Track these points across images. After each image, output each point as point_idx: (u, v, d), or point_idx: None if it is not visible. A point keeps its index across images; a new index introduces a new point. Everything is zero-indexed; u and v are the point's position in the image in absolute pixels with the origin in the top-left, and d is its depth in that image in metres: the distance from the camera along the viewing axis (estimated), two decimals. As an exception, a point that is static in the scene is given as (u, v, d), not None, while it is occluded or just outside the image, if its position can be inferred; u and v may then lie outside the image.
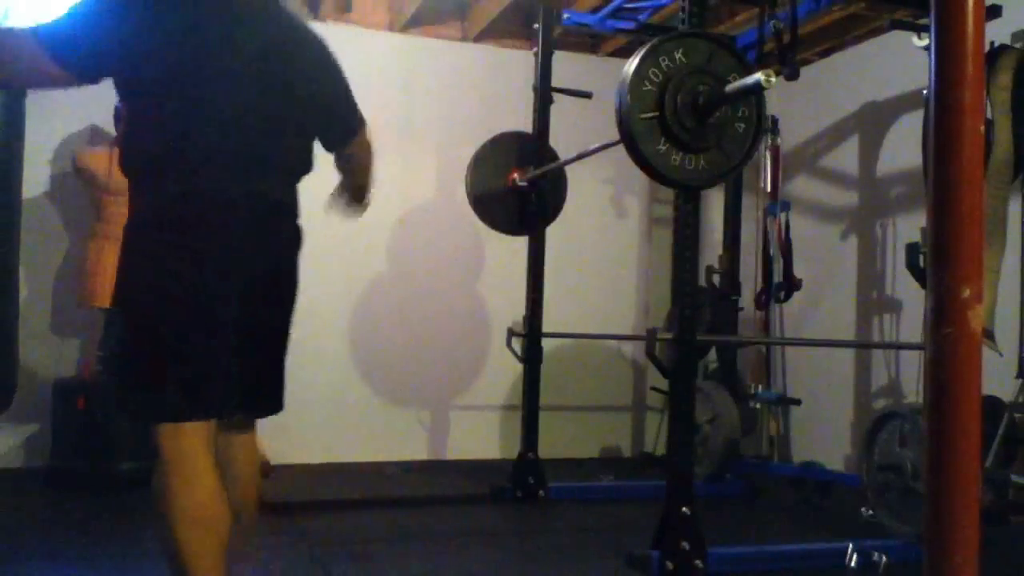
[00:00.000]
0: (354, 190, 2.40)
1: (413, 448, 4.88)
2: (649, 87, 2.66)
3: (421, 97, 4.95)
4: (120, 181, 4.33)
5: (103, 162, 4.07)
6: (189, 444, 1.80)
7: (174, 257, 1.82)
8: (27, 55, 1.79)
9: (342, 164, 2.36)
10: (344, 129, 2.24)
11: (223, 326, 1.85)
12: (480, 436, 5.01)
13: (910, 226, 4.19)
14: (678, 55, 2.69)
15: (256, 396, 1.98)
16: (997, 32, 3.23)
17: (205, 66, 1.84)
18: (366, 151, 2.33)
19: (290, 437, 4.64)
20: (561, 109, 4.16)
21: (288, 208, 2.02)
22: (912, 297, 4.14)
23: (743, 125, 2.79)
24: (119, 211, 4.06)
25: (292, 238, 2.04)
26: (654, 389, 5.03)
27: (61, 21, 1.80)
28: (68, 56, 1.79)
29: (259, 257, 1.91)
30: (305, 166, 2.08)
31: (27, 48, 1.78)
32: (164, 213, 1.85)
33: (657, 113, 2.66)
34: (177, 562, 1.79)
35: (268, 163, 1.94)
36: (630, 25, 4.23)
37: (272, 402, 2.04)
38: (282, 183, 2.00)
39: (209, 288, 1.83)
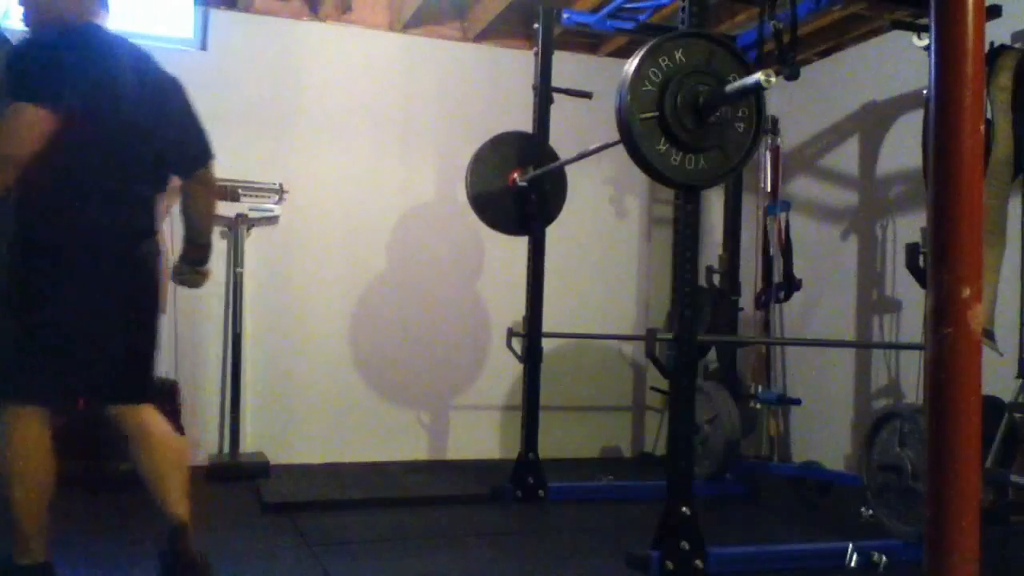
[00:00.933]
0: (193, 247, 2.67)
1: (413, 448, 4.88)
2: (649, 87, 2.67)
3: (421, 97, 4.95)
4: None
5: (103, 162, 4.08)
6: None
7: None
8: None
9: (183, 208, 2.67)
10: (189, 158, 2.54)
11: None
12: (480, 436, 5.01)
13: (910, 226, 4.19)
14: (678, 55, 2.69)
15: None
16: (997, 32, 3.23)
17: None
18: (207, 192, 2.60)
19: (290, 437, 4.65)
20: (561, 109, 4.16)
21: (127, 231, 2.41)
22: (912, 297, 4.14)
23: (743, 125, 2.79)
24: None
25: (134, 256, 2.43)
26: (654, 389, 5.03)
27: None
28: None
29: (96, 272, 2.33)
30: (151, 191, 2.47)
31: None
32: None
33: (657, 113, 2.66)
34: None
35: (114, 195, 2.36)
36: (630, 25, 4.23)
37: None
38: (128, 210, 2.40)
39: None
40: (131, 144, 2.40)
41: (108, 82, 2.33)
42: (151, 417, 2.50)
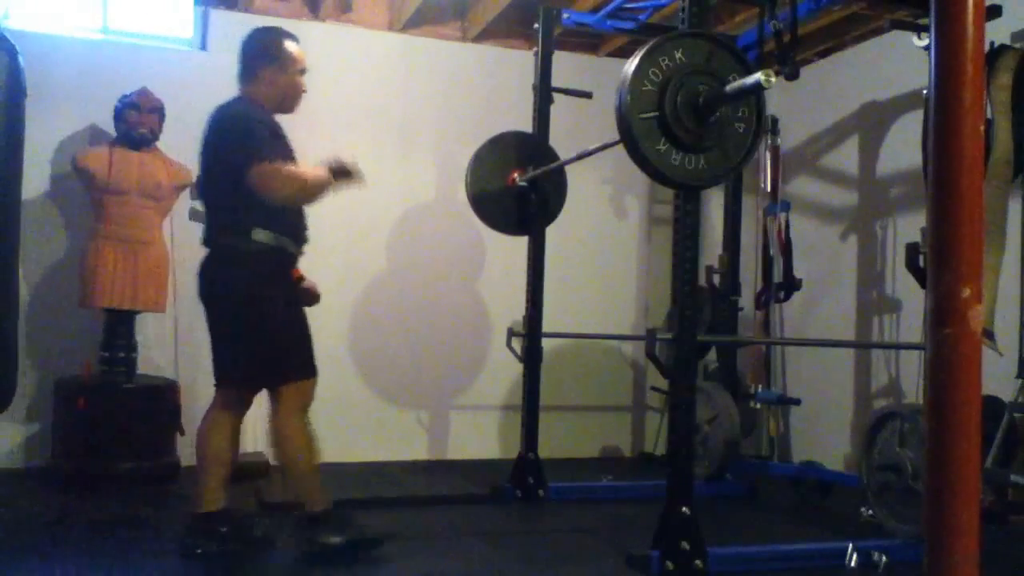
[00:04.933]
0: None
1: (413, 448, 4.88)
2: (649, 87, 2.67)
3: (421, 97, 4.95)
4: (120, 181, 4.35)
5: (103, 162, 4.07)
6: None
7: None
8: None
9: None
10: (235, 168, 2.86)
11: None
12: (480, 436, 5.01)
13: (910, 226, 4.19)
14: (678, 55, 2.69)
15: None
16: (997, 32, 3.23)
17: None
18: (265, 182, 2.82)
19: (290, 437, 4.64)
20: (561, 109, 4.16)
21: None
22: (912, 297, 4.14)
23: (743, 125, 2.79)
24: (119, 211, 4.08)
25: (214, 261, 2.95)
26: (654, 389, 5.03)
27: None
28: None
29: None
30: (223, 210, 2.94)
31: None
32: None
33: (657, 113, 2.66)
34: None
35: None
36: (630, 25, 4.23)
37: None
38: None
39: None
40: None
41: None
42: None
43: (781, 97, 4.86)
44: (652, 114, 2.66)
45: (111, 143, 4.18)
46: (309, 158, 4.74)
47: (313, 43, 4.79)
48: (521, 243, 4.16)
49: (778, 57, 3.37)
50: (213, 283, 2.91)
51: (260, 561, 2.93)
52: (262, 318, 2.84)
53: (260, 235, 2.84)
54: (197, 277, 2.94)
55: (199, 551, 2.86)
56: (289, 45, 3.05)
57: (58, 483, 3.91)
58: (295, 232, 2.97)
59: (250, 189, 2.77)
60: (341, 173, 2.86)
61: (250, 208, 2.82)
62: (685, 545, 2.74)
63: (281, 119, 3.09)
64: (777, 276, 4.51)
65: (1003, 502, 3.28)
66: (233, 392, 2.96)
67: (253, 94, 3.02)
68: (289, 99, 3.07)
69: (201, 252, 2.97)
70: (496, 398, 5.03)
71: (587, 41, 5.23)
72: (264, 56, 3.02)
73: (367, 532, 2.98)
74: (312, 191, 2.86)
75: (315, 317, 3.05)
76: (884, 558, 2.91)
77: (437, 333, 4.95)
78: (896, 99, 4.41)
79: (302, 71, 3.06)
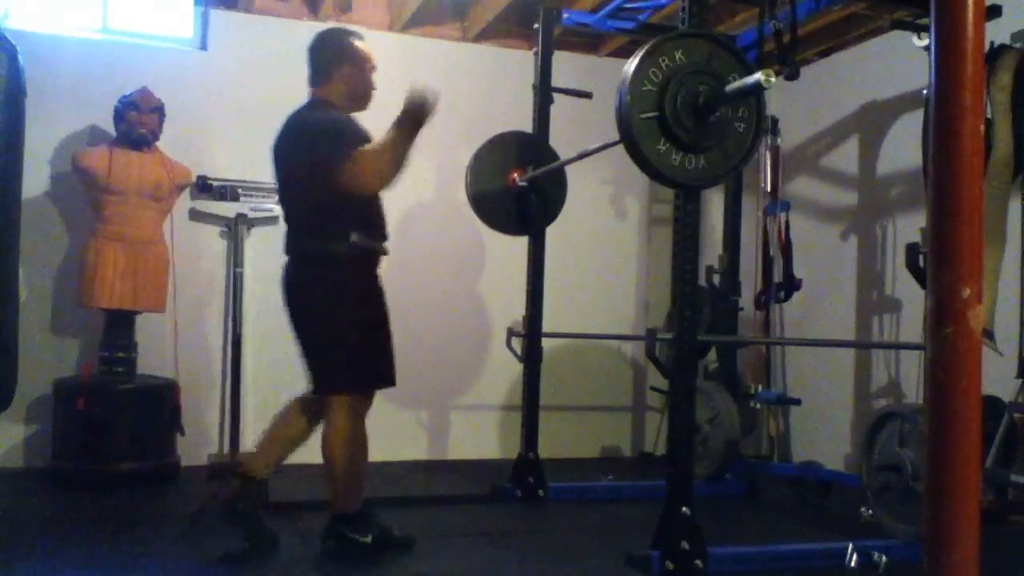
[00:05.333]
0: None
1: (413, 448, 4.88)
2: (649, 87, 2.67)
3: (421, 97, 4.94)
4: (120, 181, 4.35)
5: (103, 162, 4.07)
6: None
7: None
8: None
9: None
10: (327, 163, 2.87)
11: None
12: (480, 436, 5.01)
13: (910, 226, 4.19)
14: (678, 55, 2.69)
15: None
16: (997, 32, 3.23)
17: None
18: (361, 169, 2.87)
19: (290, 437, 4.64)
20: (561, 109, 4.16)
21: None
22: (912, 297, 4.14)
23: (743, 125, 2.79)
24: (119, 211, 4.08)
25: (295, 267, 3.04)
26: (654, 389, 5.03)
27: None
28: None
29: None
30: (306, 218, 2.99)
31: None
32: None
33: (657, 113, 2.66)
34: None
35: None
36: (630, 25, 4.23)
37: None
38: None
39: None
40: None
41: None
42: None
43: (781, 97, 4.87)
44: (652, 114, 2.66)
45: (111, 143, 4.18)
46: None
47: (313, 43, 4.81)
48: (521, 243, 4.16)
49: (778, 57, 3.36)
50: (304, 289, 2.97)
51: (261, 561, 2.92)
52: (349, 323, 2.91)
53: (356, 237, 2.90)
54: (284, 286, 3.02)
55: (365, 539, 2.91)
56: (359, 44, 3.13)
57: (58, 483, 3.91)
58: (381, 232, 3.05)
59: (343, 189, 2.79)
60: (413, 113, 2.87)
61: (342, 211, 2.87)
62: (685, 545, 2.73)
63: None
64: (777, 276, 4.51)
65: (1003, 502, 3.28)
66: (365, 399, 3.02)
67: (328, 95, 3.06)
68: (364, 97, 3.14)
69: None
70: (496, 398, 5.03)
71: (587, 41, 5.23)
72: (338, 57, 3.07)
73: (397, 532, 3.05)
74: (400, 151, 2.87)
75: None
76: (884, 558, 2.91)
77: (437, 333, 4.94)
78: (896, 99, 4.41)
79: (373, 68, 3.15)
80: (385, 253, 3.09)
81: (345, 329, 2.92)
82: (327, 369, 2.94)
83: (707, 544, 2.77)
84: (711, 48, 2.73)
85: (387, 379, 3.05)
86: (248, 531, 2.89)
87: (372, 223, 3.00)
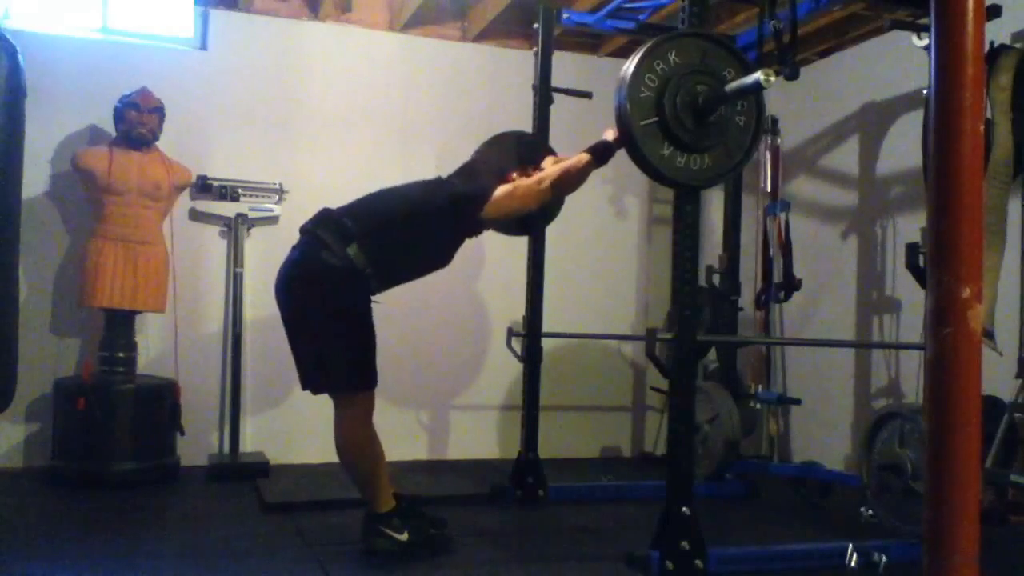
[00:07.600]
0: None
1: (413, 448, 4.88)
2: (647, 93, 2.67)
3: (421, 97, 4.95)
4: (120, 181, 4.34)
5: (103, 162, 4.07)
6: None
7: None
8: None
9: None
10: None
11: None
12: (480, 436, 5.01)
13: (910, 226, 4.19)
14: (673, 57, 2.69)
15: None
16: (997, 32, 3.23)
17: None
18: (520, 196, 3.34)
19: (290, 437, 4.64)
20: (561, 109, 4.16)
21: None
22: (912, 297, 4.14)
23: (743, 125, 2.79)
24: (119, 211, 4.08)
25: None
26: (654, 389, 5.03)
27: None
28: None
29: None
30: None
31: None
32: None
33: (656, 119, 2.66)
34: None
35: None
36: (630, 25, 4.23)
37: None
38: None
39: None
40: None
41: None
42: None
43: (781, 97, 4.86)
44: (652, 120, 2.66)
45: (111, 143, 4.18)
46: (308, 158, 4.78)
47: (313, 43, 4.82)
48: (521, 243, 4.16)
49: (778, 57, 3.36)
50: (316, 285, 3.06)
51: (261, 561, 2.93)
52: (351, 328, 3.06)
53: (352, 251, 2.98)
54: (287, 281, 3.09)
55: (400, 536, 2.99)
56: None
57: (58, 483, 3.91)
58: None
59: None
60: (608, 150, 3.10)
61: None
62: (685, 545, 2.73)
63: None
64: (777, 276, 4.51)
65: (1003, 502, 3.28)
66: (373, 397, 3.13)
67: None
68: None
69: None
70: (496, 398, 5.03)
71: (587, 41, 5.23)
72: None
73: (432, 530, 3.11)
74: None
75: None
76: (884, 558, 2.91)
77: (437, 333, 4.94)
78: (896, 99, 4.41)
79: None
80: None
81: (360, 326, 3.03)
82: (347, 368, 3.01)
83: (707, 544, 2.77)
84: (709, 48, 2.73)
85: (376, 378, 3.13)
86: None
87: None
